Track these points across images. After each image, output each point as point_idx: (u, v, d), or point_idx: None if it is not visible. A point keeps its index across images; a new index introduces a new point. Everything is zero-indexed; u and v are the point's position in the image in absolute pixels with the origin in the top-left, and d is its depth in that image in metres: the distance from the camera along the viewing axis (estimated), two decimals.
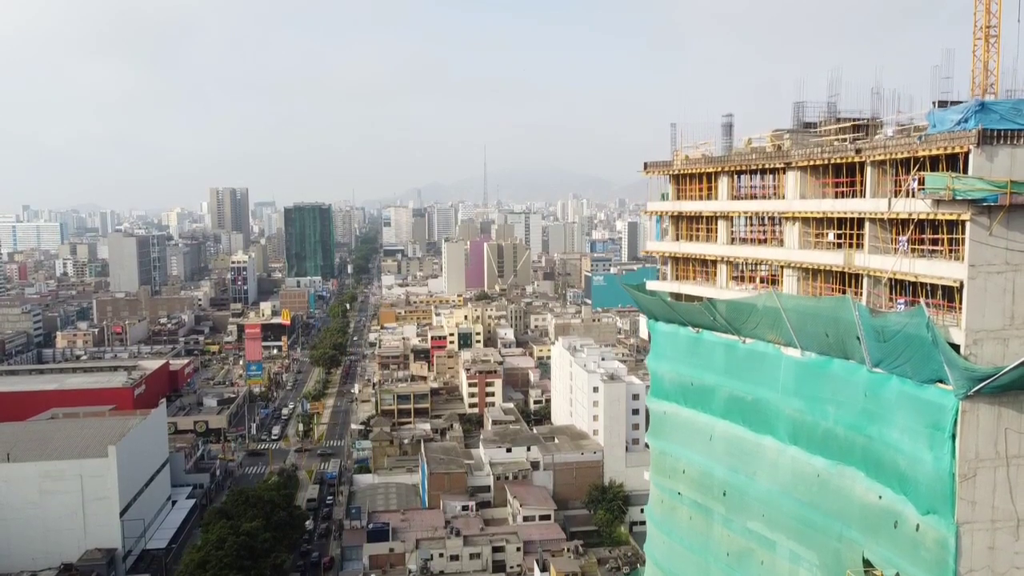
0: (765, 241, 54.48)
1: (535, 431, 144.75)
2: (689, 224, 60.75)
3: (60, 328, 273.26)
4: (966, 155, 38.40)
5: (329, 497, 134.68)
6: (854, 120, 52.32)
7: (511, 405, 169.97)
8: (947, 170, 39.77)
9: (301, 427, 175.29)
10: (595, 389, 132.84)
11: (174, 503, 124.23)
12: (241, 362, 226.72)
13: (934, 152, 39.83)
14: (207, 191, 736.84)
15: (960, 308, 39.28)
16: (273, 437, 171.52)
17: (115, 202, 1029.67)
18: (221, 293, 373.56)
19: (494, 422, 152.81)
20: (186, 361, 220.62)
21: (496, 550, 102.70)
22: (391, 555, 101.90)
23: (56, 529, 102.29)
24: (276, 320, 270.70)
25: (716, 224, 57.51)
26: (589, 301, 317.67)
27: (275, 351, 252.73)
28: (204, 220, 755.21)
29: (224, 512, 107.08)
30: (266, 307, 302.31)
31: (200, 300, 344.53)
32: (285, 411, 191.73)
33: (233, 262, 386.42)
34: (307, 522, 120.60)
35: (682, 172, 59.73)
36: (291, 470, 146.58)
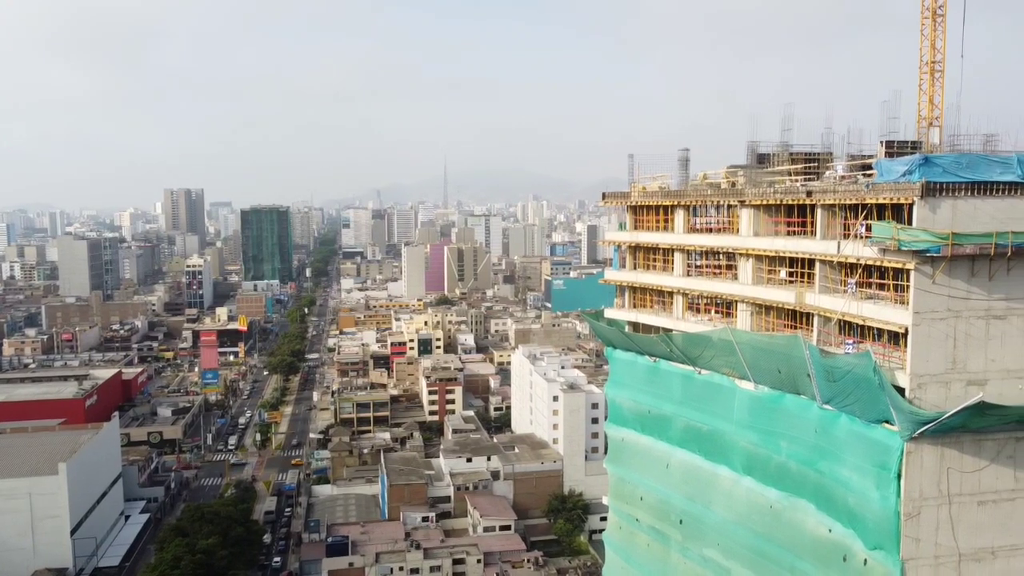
0: (720, 274, 55.66)
1: (495, 440, 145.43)
2: (646, 255, 61.75)
3: (7, 335, 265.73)
4: (911, 205, 39.80)
5: (288, 509, 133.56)
6: (806, 155, 53.82)
7: (471, 413, 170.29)
8: (893, 217, 41.17)
9: (259, 436, 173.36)
10: (555, 398, 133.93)
11: (127, 518, 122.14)
12: (197, 369, 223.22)
13: (881, 201, 41.21)
14: (161, 191, 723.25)
15: (905, 352, 40.70)
16: (230, 447, 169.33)
17: (66, 202, 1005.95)
18: (176, 297, 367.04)
19: (454, 431, 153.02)
20: (140, 369, 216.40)
21: (456, 562, 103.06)
22: (351, 570, 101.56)
23: (4, 549, 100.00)
24: (233, 325, 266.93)
25: (672, 256, 58.57)
26: (549, 305, 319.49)
27: (232, 358, 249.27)
28: (158, 221, 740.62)
29: (179, 529, 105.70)
30: (222, 312, 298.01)
31: (154, 305, 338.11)
32: (242, 420, 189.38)
33: (188, 265, 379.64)
34: (265, 536, 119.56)
35: (639, 204, 60.70)
36: (248, 482, 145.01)
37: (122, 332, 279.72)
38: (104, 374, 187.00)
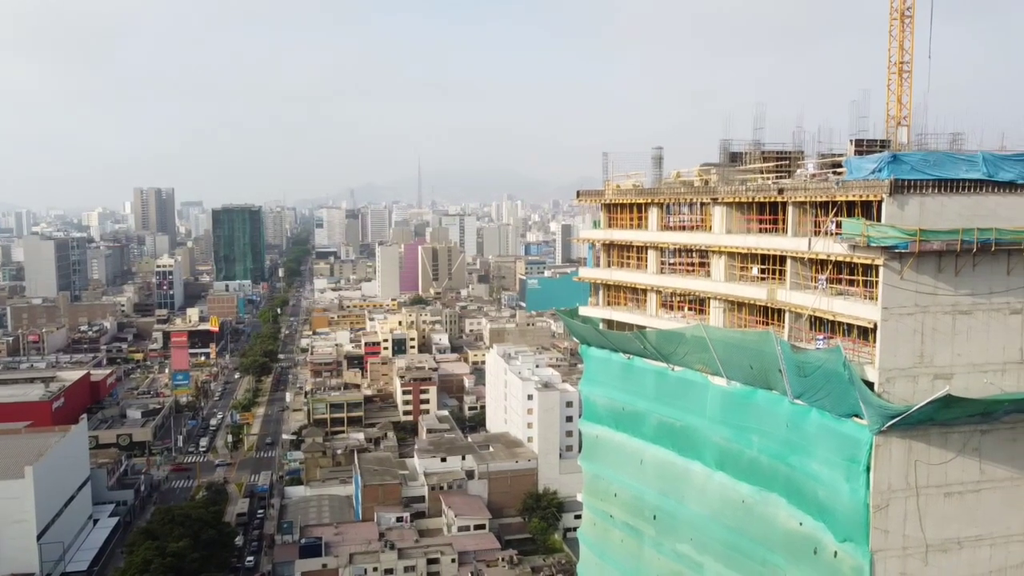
0: (693, 271, 56.10)
1: (470, 439, 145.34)
2: (620, 252, 62.06)
3: None
4: (880, 202, 40.40)
5: (260, 511, 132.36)
6: (778, 153, 54.43)
7: (446, 412, 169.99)
8: (863, 214, 41.74)
9: (230, 438, 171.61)
10: (529, 397, 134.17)
11: (96, 522, 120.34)
12: (167, 371, 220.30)
13: (850, 198, 41.79)
14: (131, 191, 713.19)
15: (874, 347, 41.31)
16: (201, 449, 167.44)
17: (32, 201, 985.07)
18: (146, 298, 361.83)
19: (429, 430, 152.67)
20: (108, 371, 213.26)
21: (431, 562, 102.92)
22: (324, 571, 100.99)
23: None
24: (204, 326, 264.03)
25: (646, 253, 58.91)
26: (524, 304, 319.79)
27: (203, 359, 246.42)
28: (127, 221, 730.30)
29: (149, 532, 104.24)
30: (193, 313, 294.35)
31: (123, 306, 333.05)
32: (214, 422, 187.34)
33: (158, 266, 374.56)
34: (237, 538, 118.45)
35: (613, 202, 60.99)
36: (220, 484, 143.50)
37: (90, 333, 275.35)
38: (72, 376, 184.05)
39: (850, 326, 43.24)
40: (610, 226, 62.50)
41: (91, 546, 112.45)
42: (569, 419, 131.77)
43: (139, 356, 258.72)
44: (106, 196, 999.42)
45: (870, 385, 41.13)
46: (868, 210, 41.52)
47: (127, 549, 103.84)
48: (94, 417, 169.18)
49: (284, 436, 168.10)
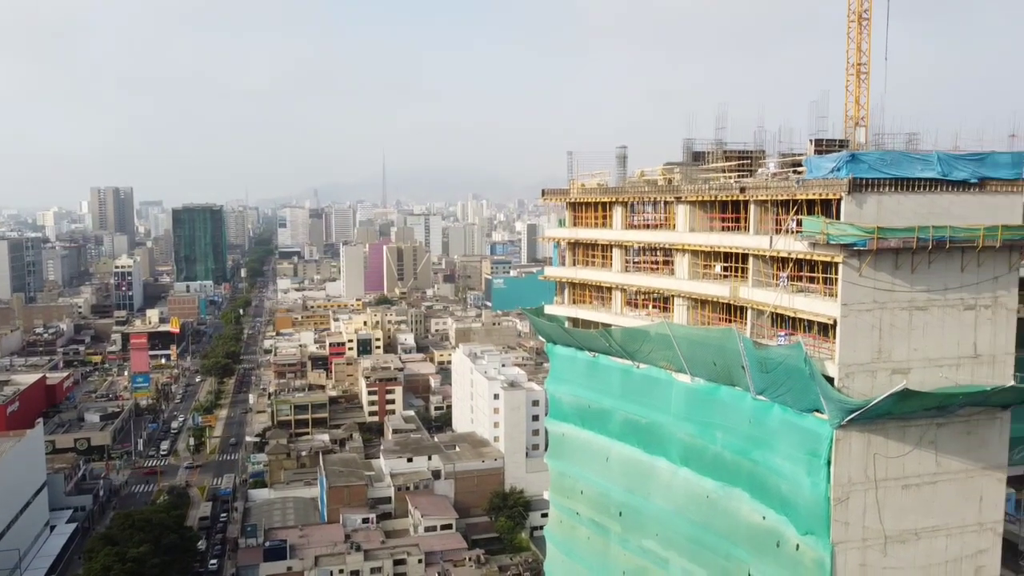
0: (658, 269, 56.60)
1: (436, 439, 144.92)
2: (585, 251, 62.41)
3: None
4: (839, 200, 41.16)
5: (223, 515, 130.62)
6: (740, 153, 55.17)
7: (412, 413, 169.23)
8: (822, 212, 42.51)
9: (192, 441, 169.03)
10: (495, 396, 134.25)
11: (53, 528, 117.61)
12: (126, 373, 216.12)
13: (810, 196, 42.52)
14: (88, 190, 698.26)
15: (834, 342, 42.08)
16: (162, 452, 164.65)
17: None
18: (104, 299, 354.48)
19: (395, 431, 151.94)
20: (65, 374, 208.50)
21: (397, 563, 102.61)
22: (289, 574, 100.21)
23: None
24: (164, 328, 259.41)
25: (611, 252, 59.31)
26: (489, 304, 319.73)
27: (163, 361, 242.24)
28: (84, 221, 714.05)
29: (109, 538, 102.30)
30: (153, 314, 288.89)
31: (80, 307, 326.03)
32: (175, 425, 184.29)
33: (117, 266, 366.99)
34: (200, 543, 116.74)
35: (578, 201, 61.30)
36: (182, 487, 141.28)
37: (46, 336, 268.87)
38: (26, 379, 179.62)
39: (811, 322, 44.00)
40: (575, 225, 62.82)
41: (48, 553, 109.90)
42: (535, 418, 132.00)
43: (97, 358, 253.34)
44: (62, 195, 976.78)
45: (830, 380, 41.91)
46: (828, 208, 42.29)
47: (86, 555, 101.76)
48: (50, 421, 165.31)
49: (247, 438, 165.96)
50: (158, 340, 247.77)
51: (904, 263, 41.92)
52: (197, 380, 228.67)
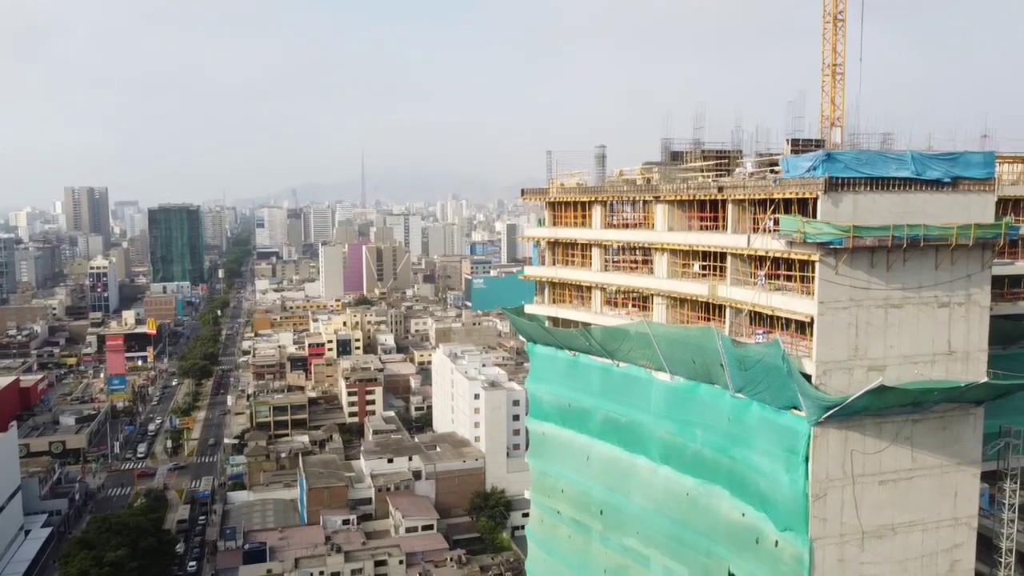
0: (637, 268, 56.84)
1: (417, 439, 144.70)
2: (565, 250, 62.51)
3: None
4: (815, 199, 41.56)
5: (202, 517, 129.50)
6: (717, 152, 55.57)
7: (392, 413, 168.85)
8: (799, 211, 42.88)
9: (170, 444, 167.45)
10: (476, 396, 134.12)
11: (27, 533, 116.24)
12: (102, 375, 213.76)
13: (787, 195, 42.89)
14: (62, 190, 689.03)
15: (811, 340, 42.47)
16: (139, 455, 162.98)
17: None
18: (79, 301, 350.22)
19: (375, 432, 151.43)
20: (40, 376, 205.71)
21: (378, 564, 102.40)
22: None
23: None
24: (141, 329, 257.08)
25: (591, 251, 59.48)
26: (470, 304, 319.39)
27: (140, 362, 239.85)
28: (58, 221, 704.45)
29: (85, 542, 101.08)
30: (129, 315, 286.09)
31: (55, 309, 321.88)
32: (152, 427, 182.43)
33: (92, 267, 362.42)
34: (178, 546, 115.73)
35: (558, 200, 61.41)
36: (159, 490, 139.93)
37: (19, 338, 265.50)
38: (0, 382, 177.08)
39: (788, 320, 44.37)
40: (555, 224, 62.91)
41: (23, 558, 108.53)
42: (516, 418, 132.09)
43: (72, 360, 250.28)
44: (35, 196, 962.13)
45: (808, 378, 42.27)
46: (804, 207, 42.66)
47: (62, 560, 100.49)
48: (24, 424, 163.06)
49: (226, 440, 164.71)
50: (134, 342, 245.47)
51: (880, 261, 42.39)
52: (174, 382, 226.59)
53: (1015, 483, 48.61)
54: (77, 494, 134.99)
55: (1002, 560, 48.80)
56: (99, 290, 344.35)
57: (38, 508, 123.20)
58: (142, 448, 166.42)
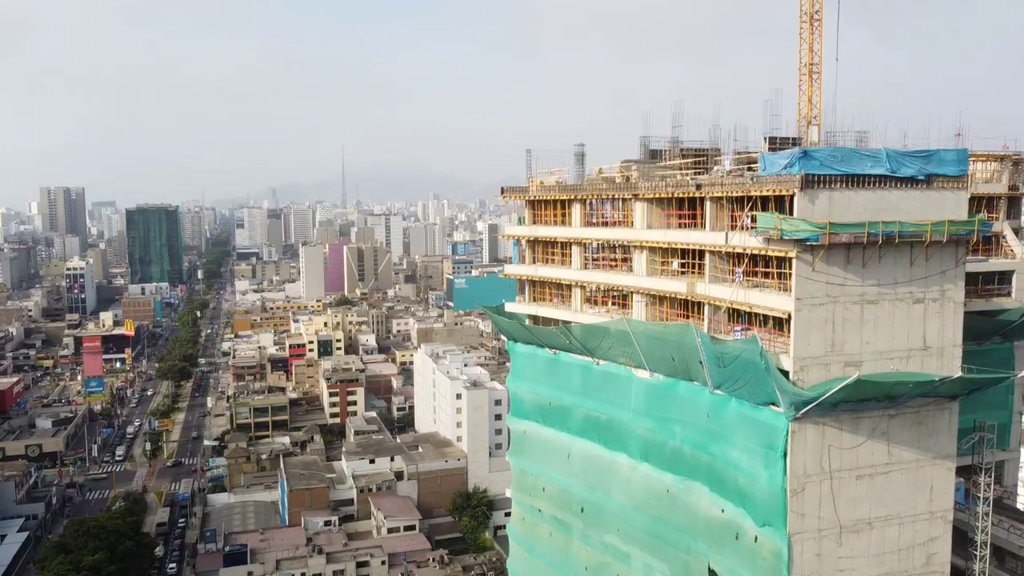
0: (616, 266, 56.98)
1: (399, 440, 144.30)
2: (545, 249, 62.57)
3: None
4: (792, 197, 41.86)
5: (182, 520, 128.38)
6: (696, 150, 55.83)
7: (374, 414, 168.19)
8: (776, 208, 43.20)
9: (148, 446, 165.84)
10: (458, 396, 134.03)
11: (3, 537, 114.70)
12: (79, 378, 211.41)
13: (764, 193, 43.18)
14: (38, 190, 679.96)
15: (789, 336, 42.78)
16: (118, 458, 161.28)
17: None
18: (55, 302, 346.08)
19: (357, 432, 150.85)
20: (15, 379, 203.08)
21: (360, 565, 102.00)
22: None
23: None
24: (119, 331, 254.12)
25: (570, 249, 59.57)
26: (451, 304, 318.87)
27: (118, 364, 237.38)
28: (34, 222, 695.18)
29: (62, 546, 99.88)
30: (107, 317, 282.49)
31: (31, 311, 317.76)
32: (131, 429, 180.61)
33: (68, 268, 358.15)
34: (157, 549, 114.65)
35: (537, 198, 61.44)
36: (138, 493, 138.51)
37: None
38: None
39: (766, 317, 44.66)
40: (535, 223, 62.96)
41: None
42: (498, 417, 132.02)
43: (49, 363, 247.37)
44: (10, 196, 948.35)
45: (785, 374, 42.61)
46: (781, 205, 42.99)
47: (39, 565, 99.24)
48: (0, 428, 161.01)
49: (206, 442, 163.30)
50: (112, 343, 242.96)
51: (856, 258, 42.77)
52: (153, 385, 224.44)
53: (989, 477, 49.19)
54: (54, 498, 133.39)
55: (977, 553, 49.37)
56: (76, 291, 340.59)
57: (14, 512, 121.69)
58: (120, 451, 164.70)
